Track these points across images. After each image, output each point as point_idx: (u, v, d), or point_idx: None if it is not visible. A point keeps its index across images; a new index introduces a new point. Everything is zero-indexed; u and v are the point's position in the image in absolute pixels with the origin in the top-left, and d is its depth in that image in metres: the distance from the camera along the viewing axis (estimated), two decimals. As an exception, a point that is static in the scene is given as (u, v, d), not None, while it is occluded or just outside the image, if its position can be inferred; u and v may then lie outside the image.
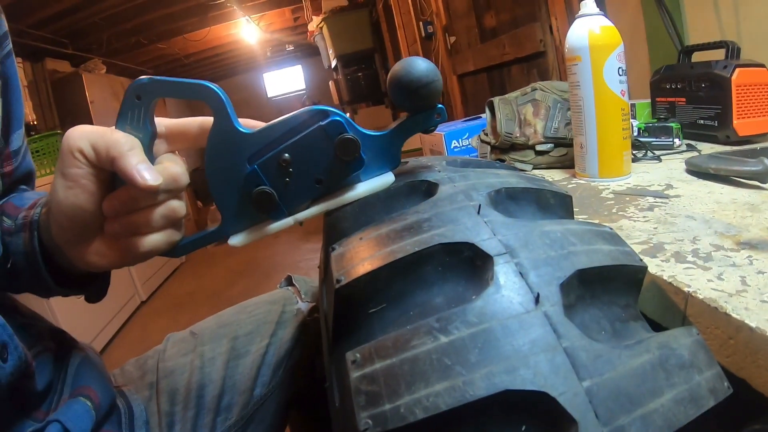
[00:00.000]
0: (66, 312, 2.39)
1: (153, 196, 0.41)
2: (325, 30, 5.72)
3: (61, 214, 0.41)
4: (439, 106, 0.43)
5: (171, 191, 0.42)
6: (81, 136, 0.40)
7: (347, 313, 0.33)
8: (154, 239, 0.42)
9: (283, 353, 0.74)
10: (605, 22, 0.71)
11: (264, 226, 0.44)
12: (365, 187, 0.43)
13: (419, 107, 0.42)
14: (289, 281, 0.86)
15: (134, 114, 0.41)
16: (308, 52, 8.78)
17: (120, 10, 4.51)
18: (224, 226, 0.44)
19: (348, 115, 0.42)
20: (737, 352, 0.36)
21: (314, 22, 5.85)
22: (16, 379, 0.42)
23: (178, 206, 0.43)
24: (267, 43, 7.47)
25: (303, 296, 0.81)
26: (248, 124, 0.43)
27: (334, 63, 6.08)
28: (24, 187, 0.61)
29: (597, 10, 0.72)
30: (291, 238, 4.24)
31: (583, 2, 0.72)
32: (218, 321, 0.78)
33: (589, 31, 0.70)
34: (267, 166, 0.41)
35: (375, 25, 5.69)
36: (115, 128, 0.41)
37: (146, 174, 0.38)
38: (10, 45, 0.54)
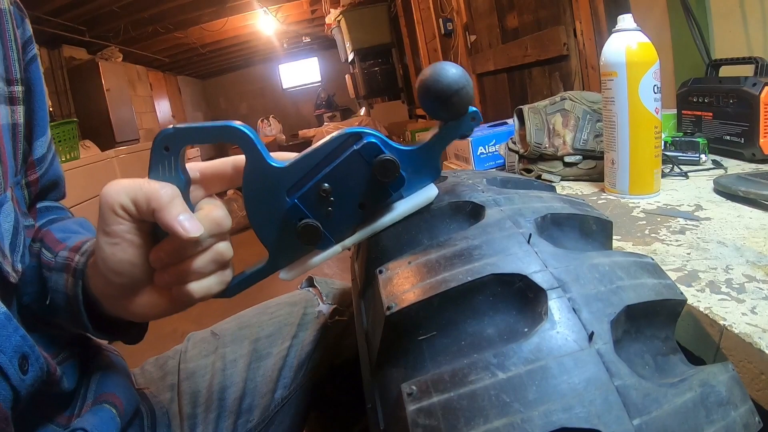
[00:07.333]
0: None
1: (198, 244, 0.41)
2: (342, 23, 5.72)
3: (109, 271, 0.41)
4: (473, 109, 0.41)
5: (215, 236, 0.42)
6: (119, 191, 0.39)
7: (395, 338, 0.33)
8: (205, 284, 0.42)
9: (304, 356, 0.74)
10: (642, 38, 0.71)
11: (312, 257, 0.43)
12: (409, 204, 0.42)
13: (453, 115, 0.41)
14: (311, 282, 0.86)
15: (165, 165, 0.40)
16: (325, 44, 8.78)
17: (138, -1, 4.54)
18: (272, 261, 0.44)
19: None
20: (768, 387, 0.37)
21: (332, 15, 5.85)
22: (36, 389, 0.41)
23: (225, 249, 0.43)
24: (284, 34, 7.48)
25: (324, 298, 0.81)
26: (280, 157, 0.42)
27: (351, 57, 6.07)
28: (57, 204, 0.60)
29: (634, 25, 0.71)
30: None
31: (620, 17, 0.72)
32: (239, 322, 0.79)
33: (626, 47, 0.70)
34: (307, 197, 0.40)
35: (393, 19, 5.68)
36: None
37: (188, 225, 0.38)
38: (35, 50, 0.53)
